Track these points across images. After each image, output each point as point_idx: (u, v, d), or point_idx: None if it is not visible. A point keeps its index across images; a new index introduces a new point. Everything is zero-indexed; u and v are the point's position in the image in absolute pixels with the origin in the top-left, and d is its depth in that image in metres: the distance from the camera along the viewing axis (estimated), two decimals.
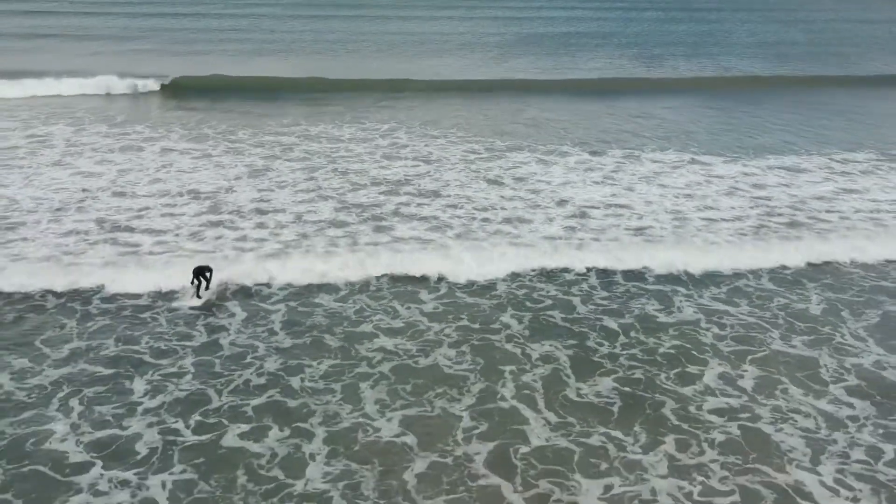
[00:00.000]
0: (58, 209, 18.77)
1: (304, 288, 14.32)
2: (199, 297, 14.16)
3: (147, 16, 65.60)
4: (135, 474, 8.98)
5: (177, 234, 17.10)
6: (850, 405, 10.80)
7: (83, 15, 65.49)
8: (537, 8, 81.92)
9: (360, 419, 10.03)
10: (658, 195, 20.52)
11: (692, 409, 10.59)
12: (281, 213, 18.66)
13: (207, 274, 14.23)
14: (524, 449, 9.58)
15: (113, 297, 13.84)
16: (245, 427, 9.85)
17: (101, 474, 9.01)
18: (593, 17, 75.36)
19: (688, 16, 78.33)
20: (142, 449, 9.41)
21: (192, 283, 14.13)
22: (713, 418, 10.40)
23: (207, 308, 13.54)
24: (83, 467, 9.14)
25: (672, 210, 19.35)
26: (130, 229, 17.51)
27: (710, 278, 15.18)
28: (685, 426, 10.19)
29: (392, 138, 26.69)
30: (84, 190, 20.55)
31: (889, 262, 16.50)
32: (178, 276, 14.55)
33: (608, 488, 8.95)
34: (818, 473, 9.45)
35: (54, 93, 32.80)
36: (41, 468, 9.09)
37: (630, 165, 23.55)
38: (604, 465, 9.33)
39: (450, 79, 38.17)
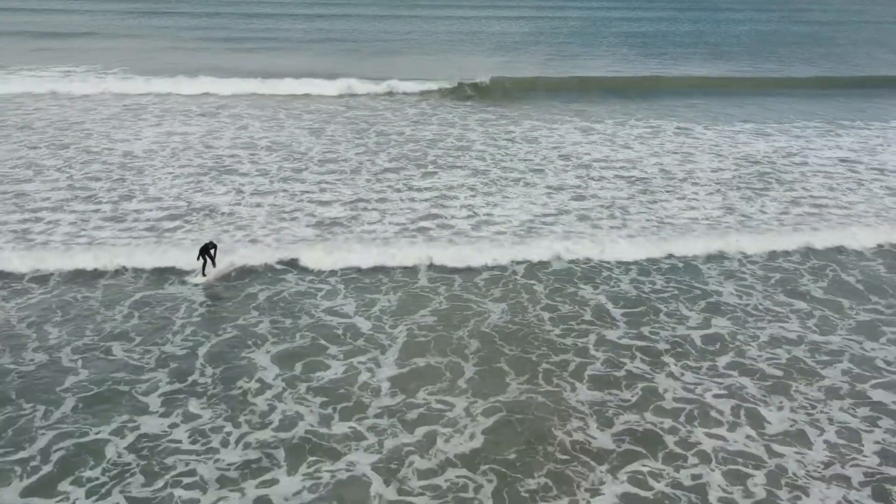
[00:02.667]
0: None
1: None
2: (204, 275, 15.61)
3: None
4: (317, 277, 16.11)
5: (271, 178, 23.78)
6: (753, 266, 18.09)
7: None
8: (550, 8, 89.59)
9: (453, 237, 17.45)
10: (648, 152, 27.68)
11: None
12: (346, 162, 25.61)
13: (212, 251, 15.48)
14: (546, 270, 16.82)
15: None
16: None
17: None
18: (591, 17, 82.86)
19: (679, 16, 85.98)
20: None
21: (198, 259, 15.54)
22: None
23: (213, 286, 15.86)
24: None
25: (659, 164, 26.37)
26: (234, 171, 24.40)
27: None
28: None
29: (419, 108, 33.98)
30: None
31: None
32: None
33: (596, 287, 16.16)
34: (724, 287, 16.62)
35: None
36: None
37: (625, 130, 30.82)
38: (596, 278, 16.55)
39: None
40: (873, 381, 13.14)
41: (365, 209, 20.86)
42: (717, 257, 18.00)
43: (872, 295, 16.42)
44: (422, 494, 10.29)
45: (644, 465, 11.00)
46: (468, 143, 28.46)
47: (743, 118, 33.81)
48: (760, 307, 15.68)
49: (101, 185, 22.83)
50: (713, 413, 12.20)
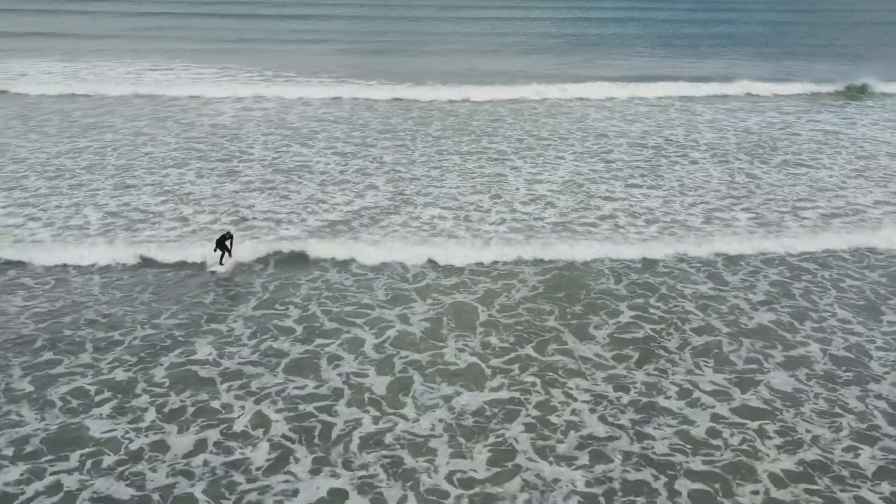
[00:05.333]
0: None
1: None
2: (221, 264, 16.99)
3: None
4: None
5: (346, 143, 31.52)
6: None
7: None
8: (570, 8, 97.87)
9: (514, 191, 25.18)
10: (655, 123, 35.64)
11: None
12: (404, 132, 33.28)
13: (228, 243, 16.62)
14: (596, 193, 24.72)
15: None
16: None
17: None
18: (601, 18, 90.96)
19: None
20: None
21: (215, 251, 16.77)
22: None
23: (231, 276, 18.61)
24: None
25: (663, 134, 34.27)
26: (312, 138, 32.15)
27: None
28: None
29: (455, 97, 41.95)
30: None
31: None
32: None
33: (612, 203, 23.97)
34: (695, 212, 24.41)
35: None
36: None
37: (633, 107, 38.85)
38: (616, 194, 24.42)
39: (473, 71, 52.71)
40: (801, 257, 21.01)
41: (435, 168, 28.45)
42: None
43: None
44: (508, 318, 17.88)
45: (646, 302, 18.71)
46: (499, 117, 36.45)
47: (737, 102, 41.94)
48: None
49: (205, 147, 30.50)
50: (691, 277, 19.96)
